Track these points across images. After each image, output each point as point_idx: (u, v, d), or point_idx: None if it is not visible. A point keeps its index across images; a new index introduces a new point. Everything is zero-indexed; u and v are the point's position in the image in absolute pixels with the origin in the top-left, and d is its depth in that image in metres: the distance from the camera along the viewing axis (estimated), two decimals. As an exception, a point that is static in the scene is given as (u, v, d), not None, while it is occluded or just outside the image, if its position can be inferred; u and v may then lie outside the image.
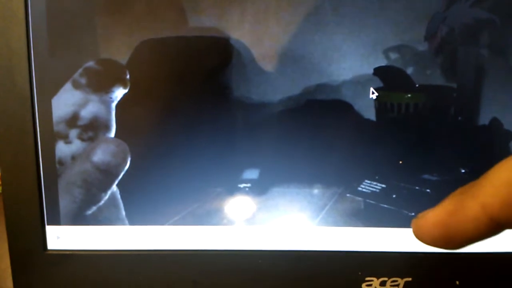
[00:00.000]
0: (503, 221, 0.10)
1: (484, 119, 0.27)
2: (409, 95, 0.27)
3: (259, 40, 0.27)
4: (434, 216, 0.11)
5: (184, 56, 0.27)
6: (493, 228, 0.11)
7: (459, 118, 0.27)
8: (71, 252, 0.29)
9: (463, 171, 0.28)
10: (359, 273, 0.29)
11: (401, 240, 0.29)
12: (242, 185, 0.28)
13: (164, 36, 0.27)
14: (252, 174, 0.28)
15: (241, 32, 0.27)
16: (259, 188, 0.29)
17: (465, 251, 0.28)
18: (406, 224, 0.29)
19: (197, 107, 0.27)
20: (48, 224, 0.29)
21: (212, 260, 0.29)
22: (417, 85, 0.27)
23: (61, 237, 0.29)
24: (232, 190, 0.29)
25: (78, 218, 0.29)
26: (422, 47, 0.27)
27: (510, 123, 0.27)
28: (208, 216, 0.29)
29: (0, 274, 0.35)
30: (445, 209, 0.11)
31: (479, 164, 0.27)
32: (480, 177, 0.11)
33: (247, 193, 0.29)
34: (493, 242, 0.28)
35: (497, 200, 0.10)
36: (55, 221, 0.29)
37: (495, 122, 0.27)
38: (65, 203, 0.28)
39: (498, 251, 0.29)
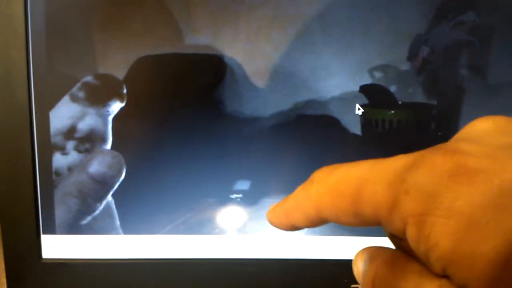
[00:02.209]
0: (327, 218, 0.14)
1: (462, 134, 0.29)
2: (392, 112, 0.29)
3: (252, 57, 0.28)
4: (279, 210, 0.15)
5: (180, 72, 0.28)
6: (319, 221, 0.14)
7: (439, 133, 0.29)
8: (65, 261, 0.30)
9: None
10: (345, 280, 0.30)
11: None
12: (233, 196, 0.30)
13: (161, 53, 0.28)
14: (243, 185, 0.30)
15: (234, 50, 0.28)
16: (250, 199, 0.30)
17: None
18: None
19: (191, 121, 0.29)
20: (43, 233, 0.30)
21: (204, 268, 0.30)
22: (400, 102, 0.29)
23: (56, 246, 0.30)
24: (224, 200, 0.30)
25: (73, 227, 0.29)
26: (405, 66, 0.28)
27: (487, 139, 0.29)
28: (201, 226, 0.30)
29: (-7, 282, 0.36)
30: (286, 206, 0.15)
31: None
32: (314, 175, 0.14)
33: (238, 203, 0.30)
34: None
35: (325, 201, 0.13)
36: (51, 230, 0.30)
37: (473, 137, 0.29)
38: (60, 213, 0.29)
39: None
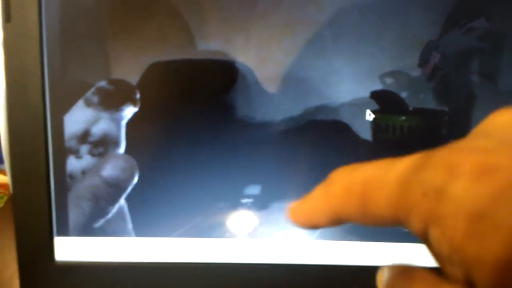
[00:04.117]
0: (345, 218, 0.14)
1: (473, 141, 0.29)
2: (403, 118, 0.29)
3: (263, 63, 0.28)
4: (299, 210, 0.15)
5: (192, 78, 0.29)
6: (338, 221, 0.14)
7: (450, 139, 0.29)
8: (78, 263, 0.30)
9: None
10: (355, 286, 0.30)
11: (394, 254, 0.30)
12: (244, 200, 0.30)
13: (173, 59, 0.28)
14: (254, 189, 0.30)
15: (246, 56, 0.28)
16: (260, 203, 0.30)
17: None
18: (399, 239, 0.30)
19: (203, 126, 0.29)
20: (57, 235, 0.30)
21: (215, 272, 0.30)
22: (410, 108, 0.29)
23: (69, 248, 0.30)
24: (235, 204, 0.30)
25: (86, 230, 0.30)
26: (416, 72, 0.28)
27: (497, 145, 0.29)
28: (211, 229, 0.30)
29: (6, 282, 0.36)
30: (305, 206, 0.15)
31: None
32: (332, 175, 0.14)
33: (249, 207, 0.30)
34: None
35: (340, 201, 0.13)
36: (64, 233, 0.30)
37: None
38: (74, 216, 0.30)
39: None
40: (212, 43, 0.28)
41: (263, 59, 0.28)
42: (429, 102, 0.29)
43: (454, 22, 0.28)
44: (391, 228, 0.30)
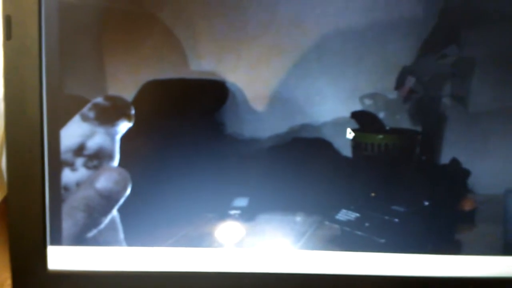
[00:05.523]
0: None
1: (445, 158, 0.31)
2: (380, 136, 0.31)
3: (252, 83, 0.30)
4: None
5: (184, 96, 0.30)
6: None
7: (423, 157, 0.31)
8: (71, 272, 0.31)
9: (426, 203, 0.31)
10: (336, 293, 0.32)
11: (372, 263, 0.32)
12: (232, 212, 0.31)
13: (167, 77, 0.30)
14: (241, 202, 0.31)
15: (236, 76, 0.30)
16: (247, 215, 0.32)
17: (441, 274, 0.31)
18: (377, 249, 0.32)
19: (194, 142, 0.31)
20: (50, 245, 0.31)
21: (203, 280, 0.32)
22: (387, 128, 0.31)
23: (62, 257, 0.31)
24: (223, 216, 0.32)
25: (79, 239, 0.31)
26: (393, 95, 0.31)
27: (467, 163, 0.31)
28: (201, 239, 0.32)
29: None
30: None
31: (440, 198, 0.31)
32: None
33: (236, 219, 0.32)
34: (473, 268, 0.32)
35: None
36: (57, 242, 0.31)
37: (454, 161, 0.31)
38: (67, 226, 0.31)
39: (473, 275, 0.32)
40: (204, 63, 0.30)
41: (252, 79, 0.30)
42: (404, 122, 0.31)
43: (428, 49, 0.31)
44: (370, 239, 0.32)
